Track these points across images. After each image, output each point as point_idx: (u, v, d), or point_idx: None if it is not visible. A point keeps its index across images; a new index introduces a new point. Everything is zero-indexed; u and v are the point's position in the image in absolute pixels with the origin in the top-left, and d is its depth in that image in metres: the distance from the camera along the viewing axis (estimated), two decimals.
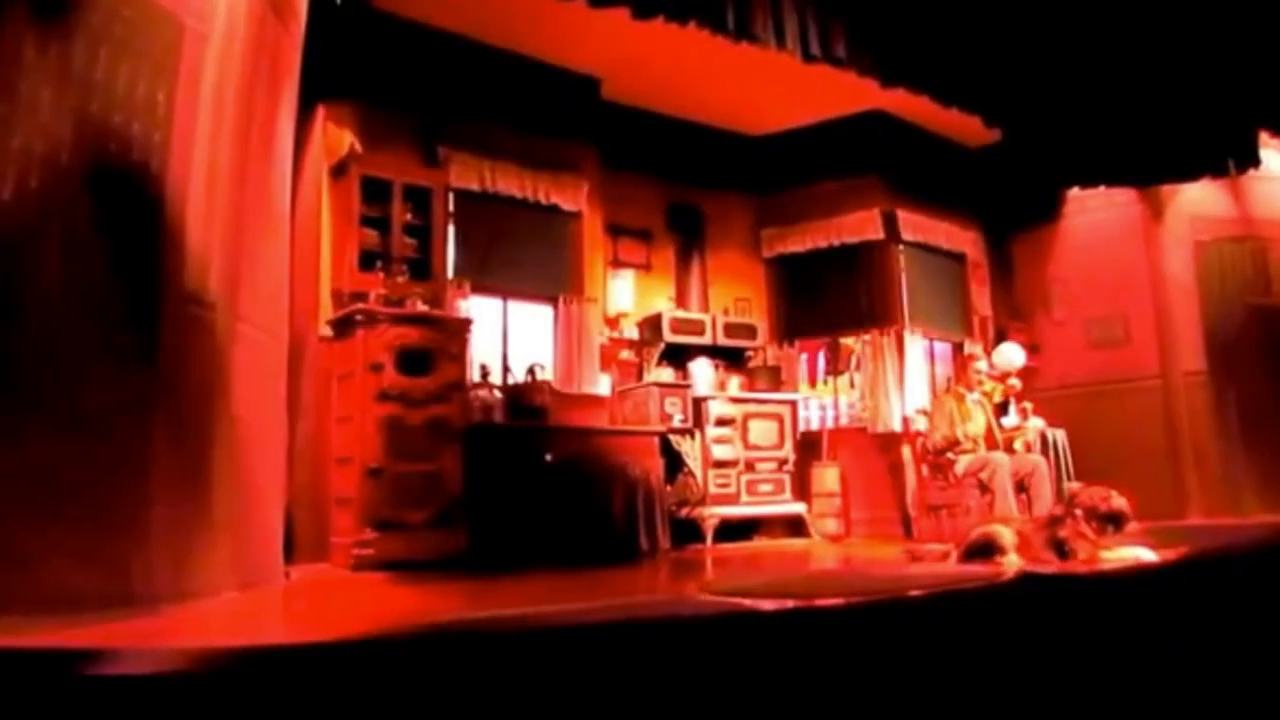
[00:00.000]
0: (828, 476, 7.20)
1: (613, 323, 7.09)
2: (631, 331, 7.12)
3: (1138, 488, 7.42)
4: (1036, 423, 7.56)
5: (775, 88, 7.22)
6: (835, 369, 8.06)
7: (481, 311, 6.33)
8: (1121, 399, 7.92)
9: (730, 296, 7.91)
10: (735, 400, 6.67)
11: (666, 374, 6.95)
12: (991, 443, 6.54)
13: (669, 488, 6.64)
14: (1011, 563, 4.36)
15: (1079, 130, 7.10)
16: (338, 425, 5.11)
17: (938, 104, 6.24)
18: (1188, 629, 3.67)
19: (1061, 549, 4.36)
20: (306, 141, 5.47)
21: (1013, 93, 6.54)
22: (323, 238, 5.45)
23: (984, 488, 6.23)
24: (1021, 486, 6.30)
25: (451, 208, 5.93)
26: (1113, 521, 4.42)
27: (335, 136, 5.59)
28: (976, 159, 8.25)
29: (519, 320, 6.67)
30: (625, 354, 7.08)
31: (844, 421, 7.83)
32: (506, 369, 6.15)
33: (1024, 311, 8.62)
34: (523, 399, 5.37)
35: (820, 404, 7.88)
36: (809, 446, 7.52)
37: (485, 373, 5.43)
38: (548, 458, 5.27)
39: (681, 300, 7.42)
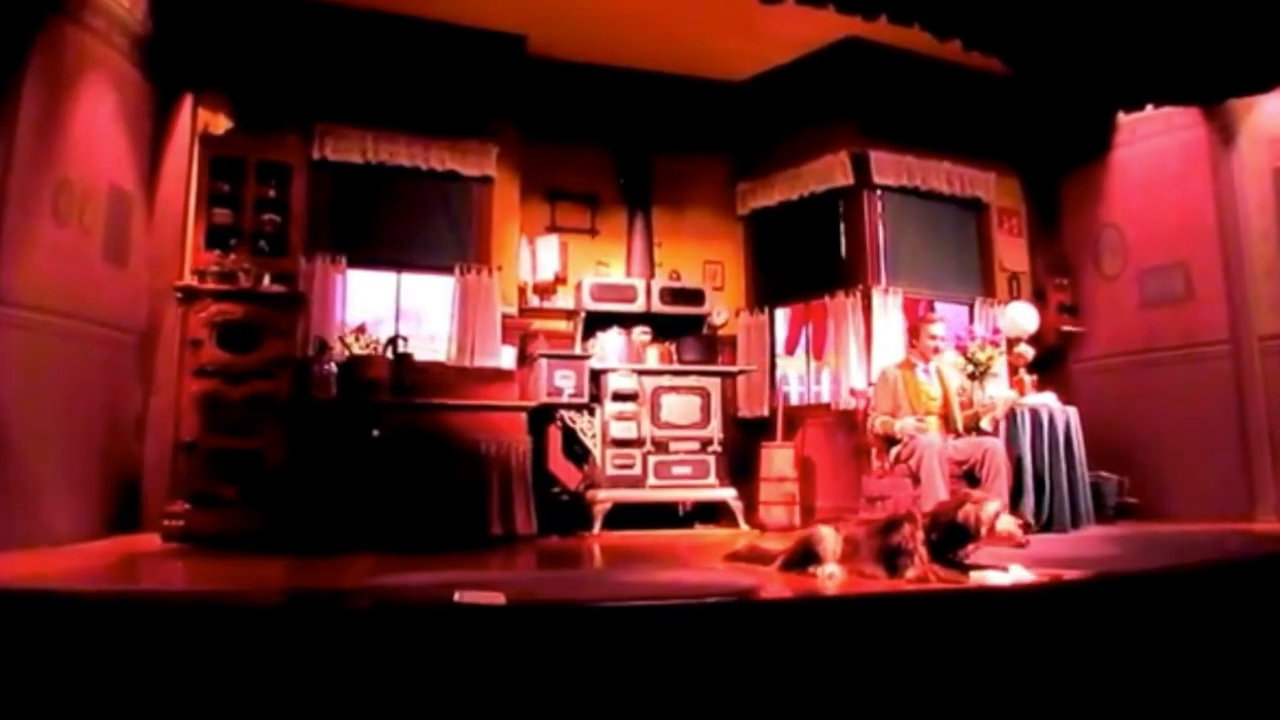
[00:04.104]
0: (778, 459, 6.41)
1: (547, 291, 6.73)
2: (567, 301, 6.72)
3: (1196, 479, 6.13)
4: (1046, 397, 6.28)
5: (734, 24, 6.45)
6: None
7: (375, 285, 6.27)
8: (1180, 369, 6.39)
9: (698, 260, 7.25)
10: (644, 373, 6.08)
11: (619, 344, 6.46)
12: (949, 423, 5.52)
13: (584, 468, 6.25)
14: (828, 574, 3.64)
15: (1109, 36, 5.70)
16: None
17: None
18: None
19: (892, 562, 3.55)
20: (171, 128, 5.63)
21: None
22: (189, 219, 5.59)
23: (915, 477, 5.27)
24: (973, 477, 5.26)
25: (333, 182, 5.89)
26: (953, 536, 3.51)
27: (206, 121, 5.70)
28: (999, 87, 6.88)
29: (438, 294, 6.51)
30: (563, 325, 6.71)
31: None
32: (397, 342, 5.98)
33: (1071, 265, 7.16)
34: (356, 373, 5.21)
35: (800, 376, 7.05)
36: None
37: (324, 346, 5.32)
38: (375, 434, 5.08)
39: (631, 266, 6.88)
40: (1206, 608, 3.46)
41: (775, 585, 3.59)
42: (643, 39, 6.71)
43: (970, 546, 3.52)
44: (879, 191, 6.62)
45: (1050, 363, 6.97)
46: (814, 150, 6.76)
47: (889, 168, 6.61)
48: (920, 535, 3.55)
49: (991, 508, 3.58)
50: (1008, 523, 3.61)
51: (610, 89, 6.99)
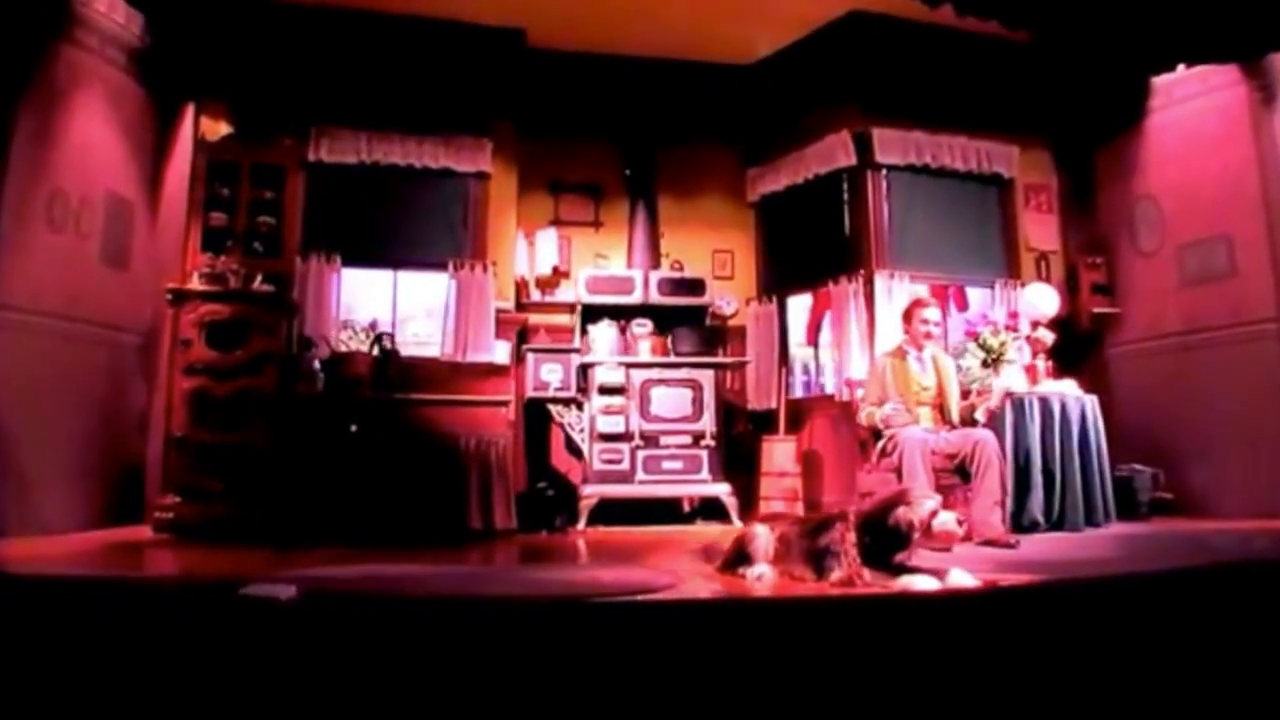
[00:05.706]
0: (778, 453, 6.21)
1: (548, 285, 6.73)
2: (568, 294, 6.69)
3: (1239, 472, 5.62)
4: (1062, 385, 5.85)
5: (738, 5, 6.29)
6: None
7: (384, 283, 6.42)
8: (1224, 351, 5.86)
9: (707, 249, 7.09)
10: (632, 366, 5.98)
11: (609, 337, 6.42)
12: (944, 414, 5.23)
13: (582, 463, 6.22)
14: (756, 575, 3.53)
15: None
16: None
17: None
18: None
19: (820, 563, 3.41)
20: (174, 136, 5.90)
21: None
22: (191, 224, 5.83)
23: (899, 473, 5.01)
24: (964, 471, 4.96)
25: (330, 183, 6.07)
26: (886, 539, 3.31)
27: (207, 129, 5.94)
28: (1023, 55, 6.41)
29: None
30: (565, 319, 6.69)
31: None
32: (382, 339, 6.07)
33: (1106, 242, 6.64)
34: (340, 369, 5.34)
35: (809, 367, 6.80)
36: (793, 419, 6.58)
37: (310, 343, 5.48)
38: (353, 429, 5.20)
39: (632, 257, 6.79)
40: (1189, 616, 3.14)
41: (689, 586, 3.46)
42: (645, 26, 6.56)
43: (906, 550, 3.32)
44: (884, 171, 6.31)
45: (1084, 348, 6.51)
46: (818, 131, 6.50)
47: (895, 146, 6.29)
48: (851, 536, 3.36)
49: (926, 507, 3.36)
50: (946, 520, 3.38)
51: (613, 78, 6.89)
